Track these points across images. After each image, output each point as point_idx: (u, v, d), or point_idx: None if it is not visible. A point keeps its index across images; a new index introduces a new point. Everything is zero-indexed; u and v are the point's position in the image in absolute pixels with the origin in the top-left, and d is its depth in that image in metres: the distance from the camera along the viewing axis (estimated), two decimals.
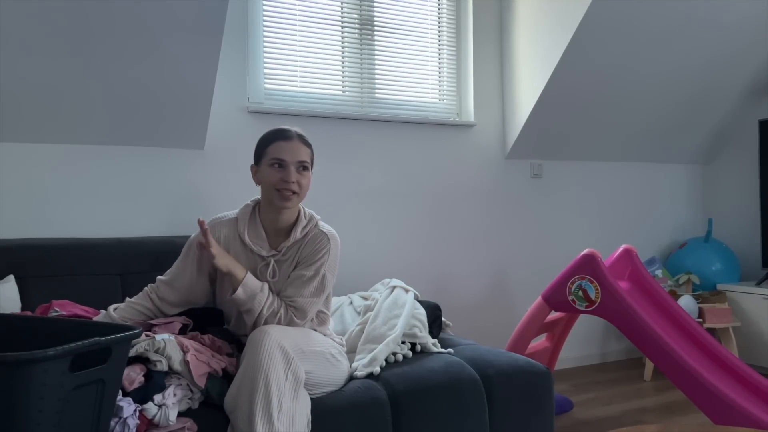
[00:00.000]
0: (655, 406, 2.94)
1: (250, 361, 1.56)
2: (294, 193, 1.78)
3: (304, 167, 1.81)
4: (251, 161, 1.87)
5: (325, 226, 1.89)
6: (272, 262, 1.83)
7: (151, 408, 1.49)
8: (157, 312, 1.83)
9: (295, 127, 1.85)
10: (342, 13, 3.09)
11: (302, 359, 1.64)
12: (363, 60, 3.14)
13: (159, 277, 1.87)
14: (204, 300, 1.90)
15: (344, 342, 2.04)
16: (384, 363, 1.96)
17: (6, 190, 2.38)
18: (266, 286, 1.76)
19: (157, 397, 1.51)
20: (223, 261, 1.73)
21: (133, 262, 2.32)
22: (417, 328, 2.16)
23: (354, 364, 1.95)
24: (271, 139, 1.81)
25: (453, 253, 3.33)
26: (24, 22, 2.14)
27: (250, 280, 1.74)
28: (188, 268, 1.84)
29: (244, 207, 1.90)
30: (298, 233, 1.84)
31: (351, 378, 1.89)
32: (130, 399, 1.46)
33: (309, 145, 1.85)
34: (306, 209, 1.90)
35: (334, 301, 2.42)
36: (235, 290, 1.71)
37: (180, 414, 1.56)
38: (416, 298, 2.38)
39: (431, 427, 1.84)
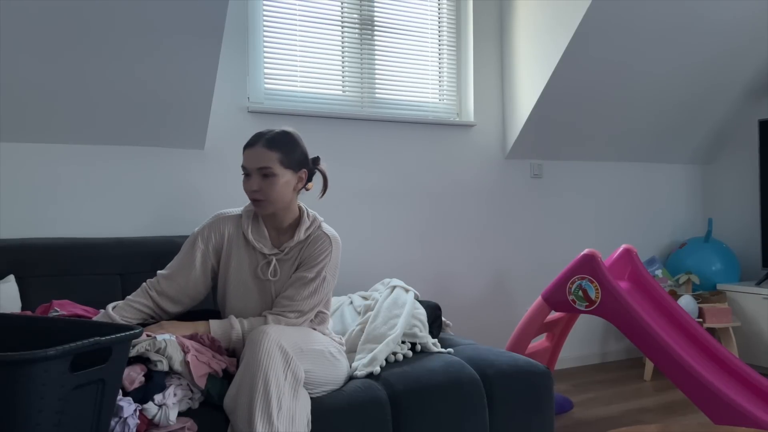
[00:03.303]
0: (655, 406, 2.94)
1: (249, 360, 1.56)
2: (261, 200, 1.78)
3: (266, 174, 1.76)
4: None
5: (327, 228, 1.89)
6: (274, 260, 1.83)
7: (151, 408, 1.49)
8: (157, 309, 1.82)
9: (276, 128, 1.83)
10: (342, 13, 3.09)
11: (301, 358, 1.65)
12: (363, 60, 3.14)
13: (159, 272, 1.86)
14: (203, 295, 1.90)
15: (343, 341, 2.04)
16: (384, 363, 1.96)
17: (6, 190, 2.38)
18: (234, 320, 1.76)
19: (158, 397, 1.51)
20: (180, 329, 1.71)
21: (133, 262, 2.32)
22: (417, 327, 2.16)
23: (354, 364, 1.95)
24: (244, 148, 1.81)
25: (453, 253, 3.34)
26: (25, 22, 2.14)
27: (214, 325, 1.75)
28: (192, 261, 1.84)
29: (249, 205, 1.90)
30: (301, 234, 1.84)
31: (351, 378, 1.89)
32: (130, 399, 1.46)
33: (277, 149, 1.77)
34: (309, 210, 1.91)
35: (334, 301, 2.42)
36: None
37: (180, 414, 1.56)
38: (416, 298, 2.38)
39: (431, 427, 1.84)
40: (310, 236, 1.86)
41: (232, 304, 1.86)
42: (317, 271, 1.81)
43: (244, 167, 1.79)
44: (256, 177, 1.77)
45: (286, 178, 1.79)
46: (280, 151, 1.78)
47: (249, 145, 1.79)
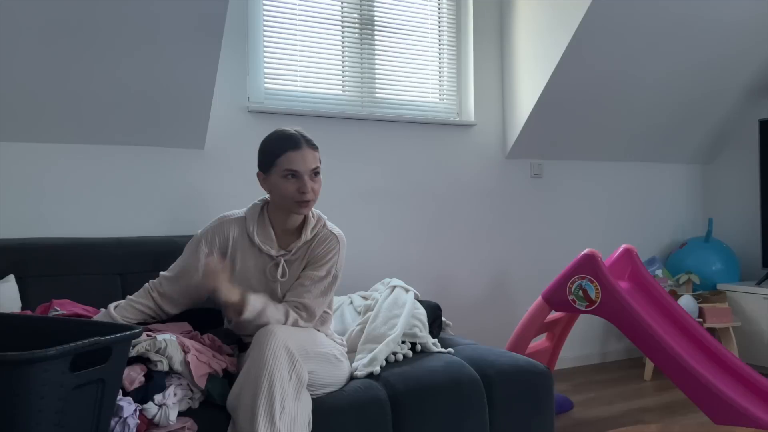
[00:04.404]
0: (655, 406, 2.94)
1: (255, 360, 1.56)
2: (311, 200, 1.79)
3: (316, 173, 1.80)
4: (252, 161, 1.86)
5: (333, 227, 1.90)
6: (282, 261, 1.83)
7: (151, 408, 1.49)
8: (158, 310, 1.82)
9: (297, 128, 1.83)
10: (342, 12, 3.09)
11: (306, 360, 1.64)
12: (363, 60, 3.14)
13: (162, 273, 1.86)
14: (205, 298, 1.90)
15: (345, 342, 2.04)
16: (384, 363, 1.96)
17: (6, 189, 2.38)
18: (269, 301, 1.72)
19: (158, 397, 1.51)
20: (231, 293, 1.67)
21: (133, 262, 2.32)
22: (417, 327, 2.16)
23: (354, 364, 1.95)
24: (280, 149, 1.77)
25: (453, 253, 3.33)
26: (26, 21, 2.14)
27: (253, 301, 1.68)
28: (195, 264, 1.83)
29: (252, 207, 1.89)
30: (308, 234, 1.84)
31: (351, 378, 1.89)
32: (130, 399, 1.46)
33: (316, 147, 1.83)
34: (314, 209, 1.91)
35: (335, 300, 2.42)
36: (240, 313, 1.67)
37: (180, 414, 1.56)
38: (416, 298, 2.38)
39: (431, 427, 1.84)
40: (317, 235, 1.86)
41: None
42: (327, 269, 1.82)
43: (294, 170, 1.75)
44: (308, 178, 1.77)
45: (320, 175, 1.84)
46: (317, 150, 1.83)
47: (295, 147, 1.76)
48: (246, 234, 1.85)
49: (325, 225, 1.89)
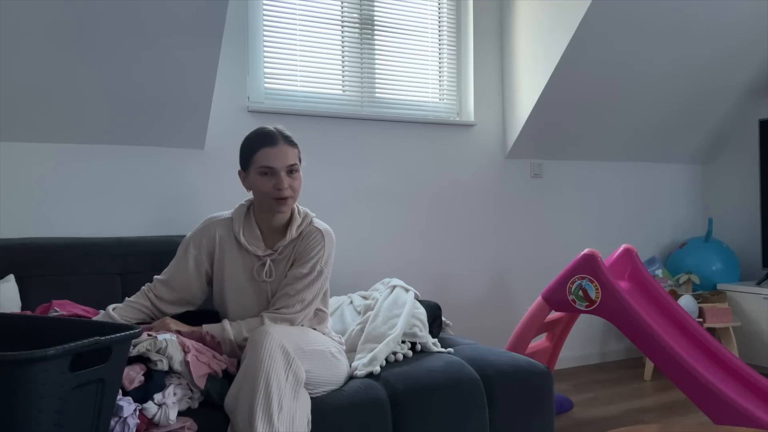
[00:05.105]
0: (655, 406, 2.94)
1: (251, 360, 1.56)
2: (289, 197, 1.78)
3: (293, 170, 1.79)
4: None
5: (319, 223, 1.89)
6: (268, 261, 1.83)
7: (151, 407, 1.49)
8: (156, 311, 1.83)
9: (278, 126, 1.83)
10: (342, 12, 3.09)
11: (302, 358, 1.64)
12: (363, 60, 3.14)
13: (156, 277, 1.87)
14: (201, 299, 1.91)
15: (343, 341, 2.04)
16: (384, 362, 1.96)
17: (6, 189, 2.38)
18: (226, 324, 1.75)
19: (157, 397, 1.51)
20: (181, 327, 1.73)
21: (133, 261, 2.32)
22: (417, 327, 2.16)
23: (354, 364, 1.95)
24: (256, 146, 1.78)
25: (453, 253, 3.33)
26: (27, 21, 2.14)
27: (207, 329, 1.73)
28: (185, 267, 1.84)
29: (239, 207, 1.90)
30: (293, 232, 1.84)
31: (351, 377, 1.89)
32: (130, 398, 1.46)
33: (295, 144, 1.82)
34: (300, 207, 1.90)
35: (334, 300, 2.42)
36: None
37: (180, 413, 1.56)
38: (416, 298, 2.38)
39: (431, 427, 1.84)
40: (302, 233, 1.86)
41: (231, 307, 1.86)
42: (311, 266, 1.82)
43: (269, 167, 1.75)
44: (285, 175, 1.76)
45: (300, 173, 1.83)
46: (296, 147, 1.82)
47: (271, 144, 1.76)
48: (233, 235, 1.85)
49: (311, 222, 1.88)
